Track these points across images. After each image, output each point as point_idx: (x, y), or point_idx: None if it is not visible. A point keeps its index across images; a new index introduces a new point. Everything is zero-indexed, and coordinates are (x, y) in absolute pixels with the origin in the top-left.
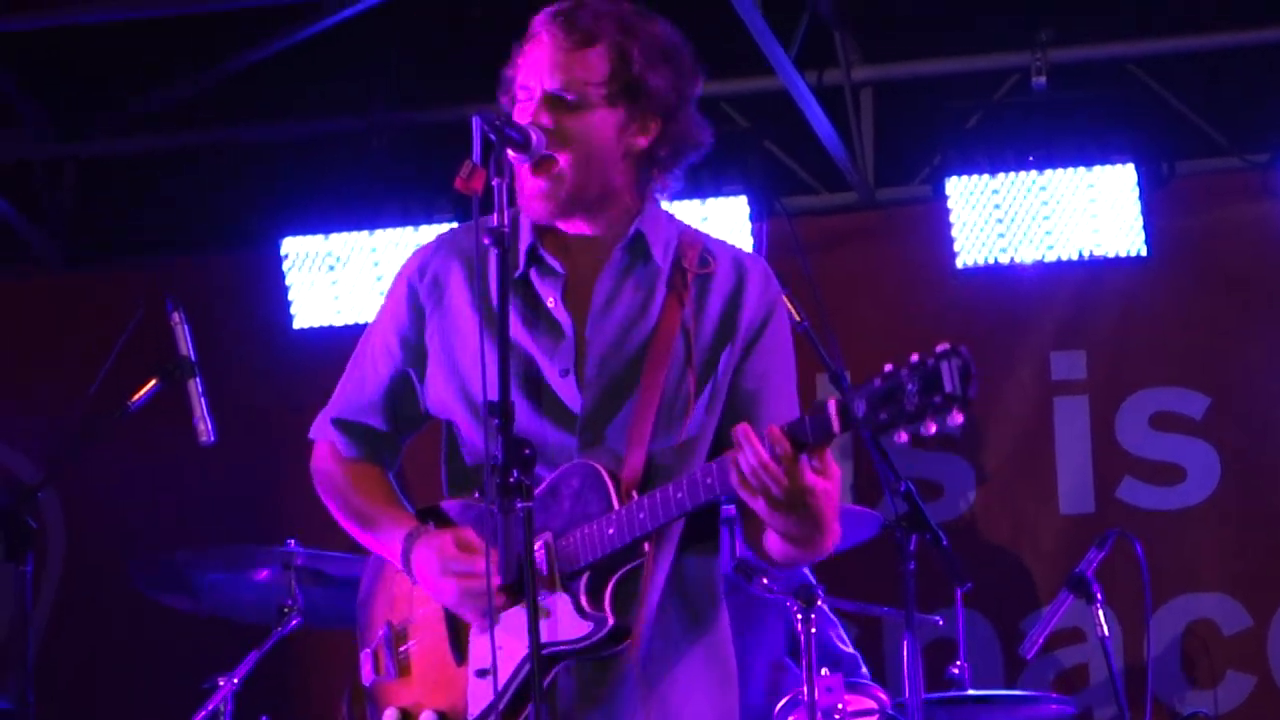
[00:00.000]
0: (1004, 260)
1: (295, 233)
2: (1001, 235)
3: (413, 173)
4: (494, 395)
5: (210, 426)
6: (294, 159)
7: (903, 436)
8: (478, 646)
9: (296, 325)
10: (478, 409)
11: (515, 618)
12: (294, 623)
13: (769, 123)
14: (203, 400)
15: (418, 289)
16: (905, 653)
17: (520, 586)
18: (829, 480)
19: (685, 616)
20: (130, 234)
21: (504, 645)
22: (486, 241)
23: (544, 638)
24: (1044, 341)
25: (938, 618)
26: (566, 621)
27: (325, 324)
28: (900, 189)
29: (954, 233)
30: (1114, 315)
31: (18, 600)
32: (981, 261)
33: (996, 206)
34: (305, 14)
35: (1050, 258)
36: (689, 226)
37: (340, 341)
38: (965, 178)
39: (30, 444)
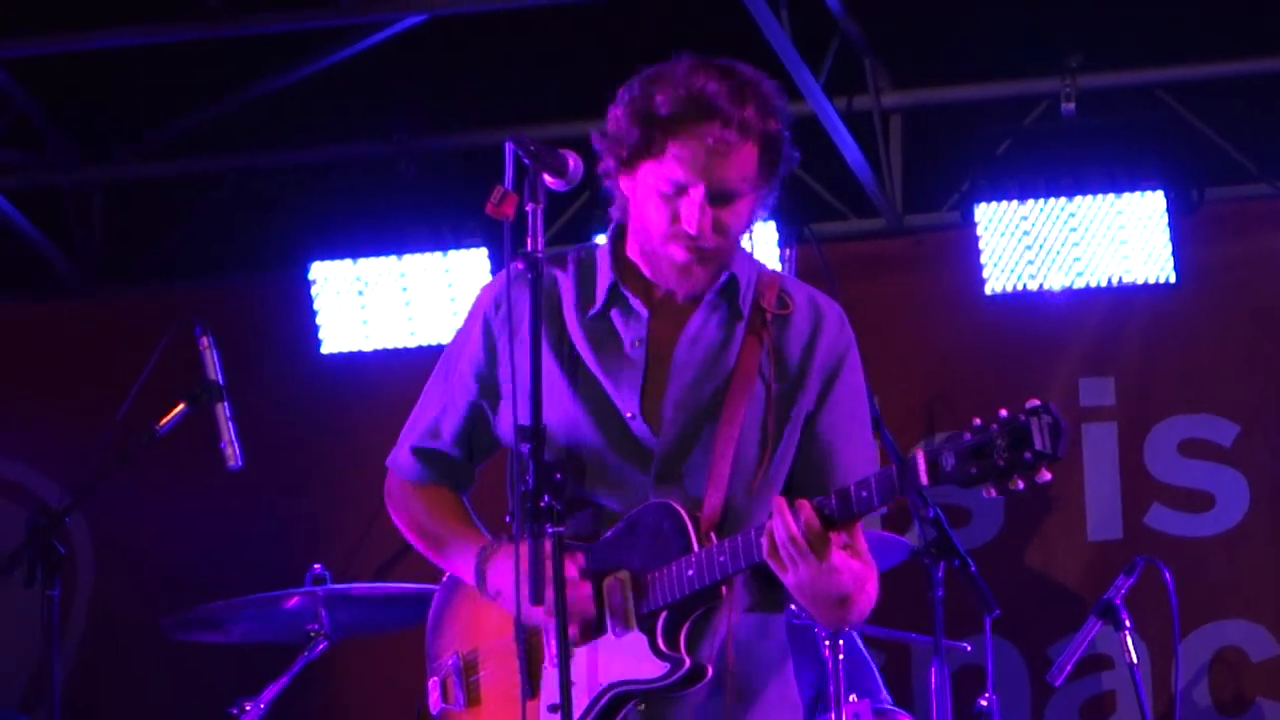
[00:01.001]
0: (1033, 287)
1: (324, 257)
2: (1030, 262)
3: (442, 197)
4: (542, 420)
5: (238, 451)
6: (322, 184)
7: (991, 492)
8: (550, 681)
9: (324, 350)
10: (549, 437)
11: (588, 653)
12: (320, 647)
13: (798, 148)
14: (230, 425)
15: (491, 322)
16: (933, 680)
17: (596, 623)
18: (858, 558)
19: (750, 663)
20: (158, 259)
21: (576, 680)
22: (520, 267)
23: (618, 676)
24: (1072, 368)
25: (966, 644)
26: (642, 661)
27: (353, 349)
28: (929, 215)
29: (983, 259)
30: (1143, 342)
31: (46, 625)
32: (1010, 288)
33: (1025, 233)
34: (333, 38)
35: (1079, 284)
36: (765, 266)
37: (368, 367)
38: (994, 204)
39: (58, 469)
